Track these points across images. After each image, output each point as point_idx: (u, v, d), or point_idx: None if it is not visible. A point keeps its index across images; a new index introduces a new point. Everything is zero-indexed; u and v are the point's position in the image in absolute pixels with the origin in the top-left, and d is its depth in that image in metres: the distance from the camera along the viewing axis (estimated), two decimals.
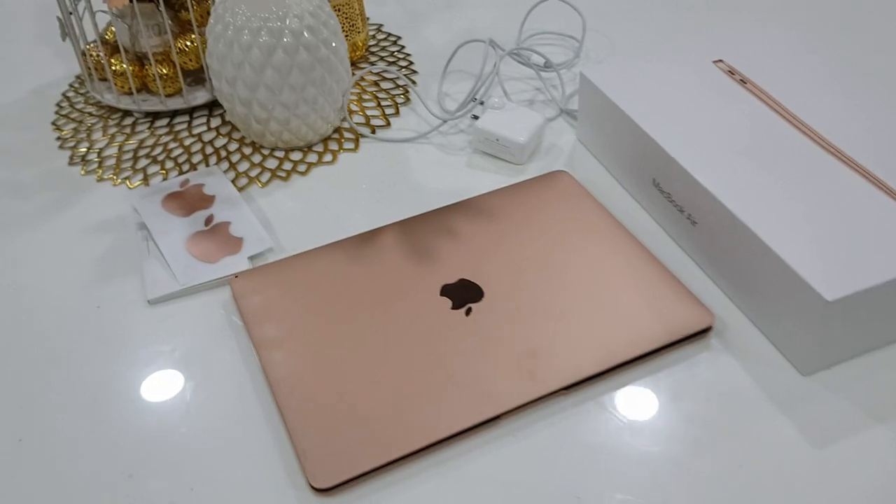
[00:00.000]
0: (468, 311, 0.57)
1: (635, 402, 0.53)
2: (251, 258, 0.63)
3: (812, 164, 0.59)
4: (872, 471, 0.49)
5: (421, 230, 0.63)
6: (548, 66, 0.82)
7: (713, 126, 0.62)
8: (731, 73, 0.68)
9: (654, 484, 0.48)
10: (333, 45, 0.70)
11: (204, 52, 0.76)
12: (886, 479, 0.48)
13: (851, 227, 0.54)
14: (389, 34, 0.92)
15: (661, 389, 0.53)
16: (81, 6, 0.80)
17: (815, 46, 0.71)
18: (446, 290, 0.58)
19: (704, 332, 0.56)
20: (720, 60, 0.69)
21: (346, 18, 0.82)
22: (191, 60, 0.77)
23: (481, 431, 0.51)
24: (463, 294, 0.58)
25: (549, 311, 0.56)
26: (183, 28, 0.77)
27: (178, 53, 0.76)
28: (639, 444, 0.50)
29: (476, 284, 0.58)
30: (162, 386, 0.55)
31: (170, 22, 0.74)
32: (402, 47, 0.89)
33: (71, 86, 0.85)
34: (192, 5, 0.74)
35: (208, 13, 0.77)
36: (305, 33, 0.67)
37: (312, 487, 0.48)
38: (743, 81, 0.67)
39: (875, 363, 0.54)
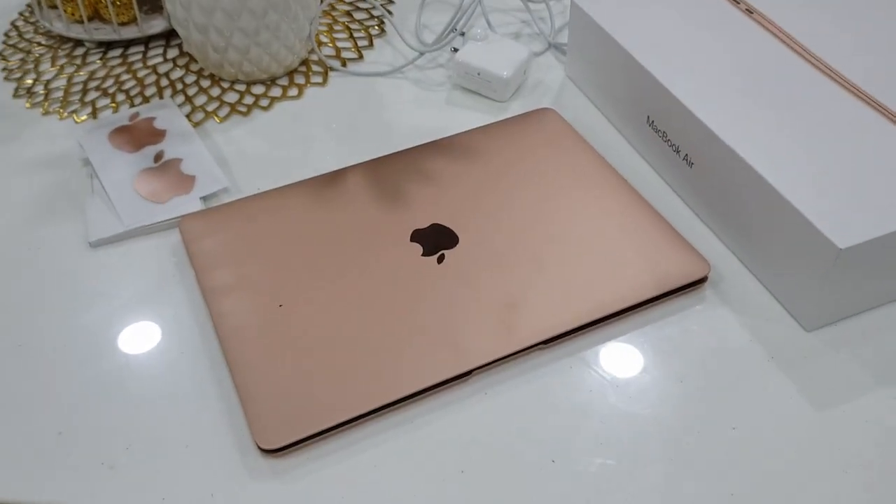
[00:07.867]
0: (440, 259, 0.51)
1: (620, 358, 0.48)
2: (204, 199, 0.58)
3: (824, 100, 0.53)
4: (874, 434, 0.44)
5: (392, 171, 0.57)
6: None
7: (716, 59, 0.56)
8: (737, 1, 0.62)
9: (636, 447, 0.44)
10: None
11: None
12: (887, 442, 0.44)
13: (866, 169, 0.48)
14: None
15: (650, 345, 0.48)
16: None
17: None
18: (417, 236, 0.53)
19: (699, 282, 0.51)
20: None
21: None
22: None
23: (450, 388, 0.46)
24: (435, 240, 0.52)
25: (530, 259, 0.51)
26: None
27: None
28: (622, 405, 0.46)
29: (450, 229, 0.53)
30: (100, 337, 0.50)
31: None
32: None
33: (21, 14, 0.78)
34: None
35: None
36: None
37: (261, 448, 0.43)
38: (749, 11, 0.60)
39: (884, 319, 0.50)
